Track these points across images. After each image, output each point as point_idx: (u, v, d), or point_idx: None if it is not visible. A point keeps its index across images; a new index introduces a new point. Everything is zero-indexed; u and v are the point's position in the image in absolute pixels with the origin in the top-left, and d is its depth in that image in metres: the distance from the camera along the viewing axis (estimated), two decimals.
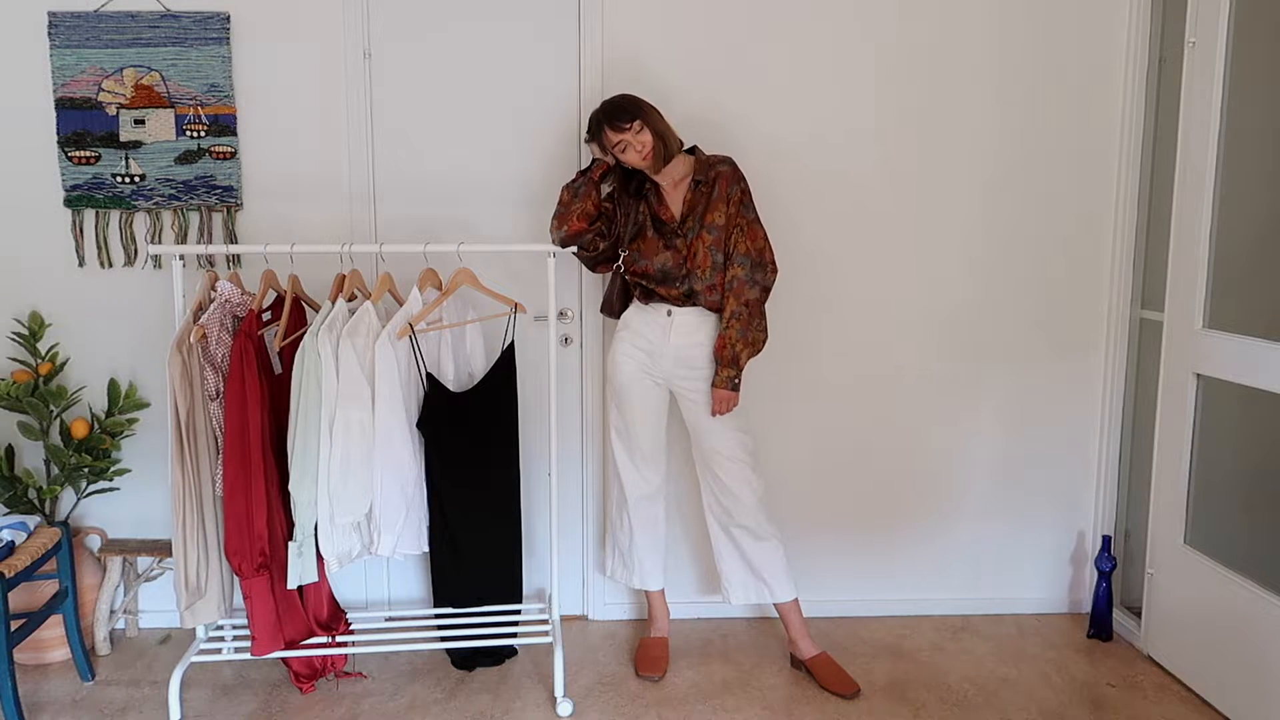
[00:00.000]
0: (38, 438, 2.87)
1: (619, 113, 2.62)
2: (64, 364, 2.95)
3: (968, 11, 2.96)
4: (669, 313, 2.72)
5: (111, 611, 2.96)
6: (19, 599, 2.71)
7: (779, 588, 2.81)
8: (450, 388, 2.70)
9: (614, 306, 2.84)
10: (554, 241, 2.71)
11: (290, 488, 2.50)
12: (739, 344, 2.65)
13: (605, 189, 2.80)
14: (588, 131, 2.70)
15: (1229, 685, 2.58)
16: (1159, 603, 2.87)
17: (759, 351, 2.71)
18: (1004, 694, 2.71)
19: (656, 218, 2.72)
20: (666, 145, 2.64)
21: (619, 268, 2.78)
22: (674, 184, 2.73)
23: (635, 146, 2.61)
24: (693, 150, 2.76)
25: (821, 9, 2.95)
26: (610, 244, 2.78)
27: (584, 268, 2.95)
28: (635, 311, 2.79)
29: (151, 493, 3.02)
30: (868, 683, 2.76)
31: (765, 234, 2.71)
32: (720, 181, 2.68)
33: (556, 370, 2.74)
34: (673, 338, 2.72)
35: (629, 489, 2.86)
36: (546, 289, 2.70)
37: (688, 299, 2.69)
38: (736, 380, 2.66)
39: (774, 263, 2.71)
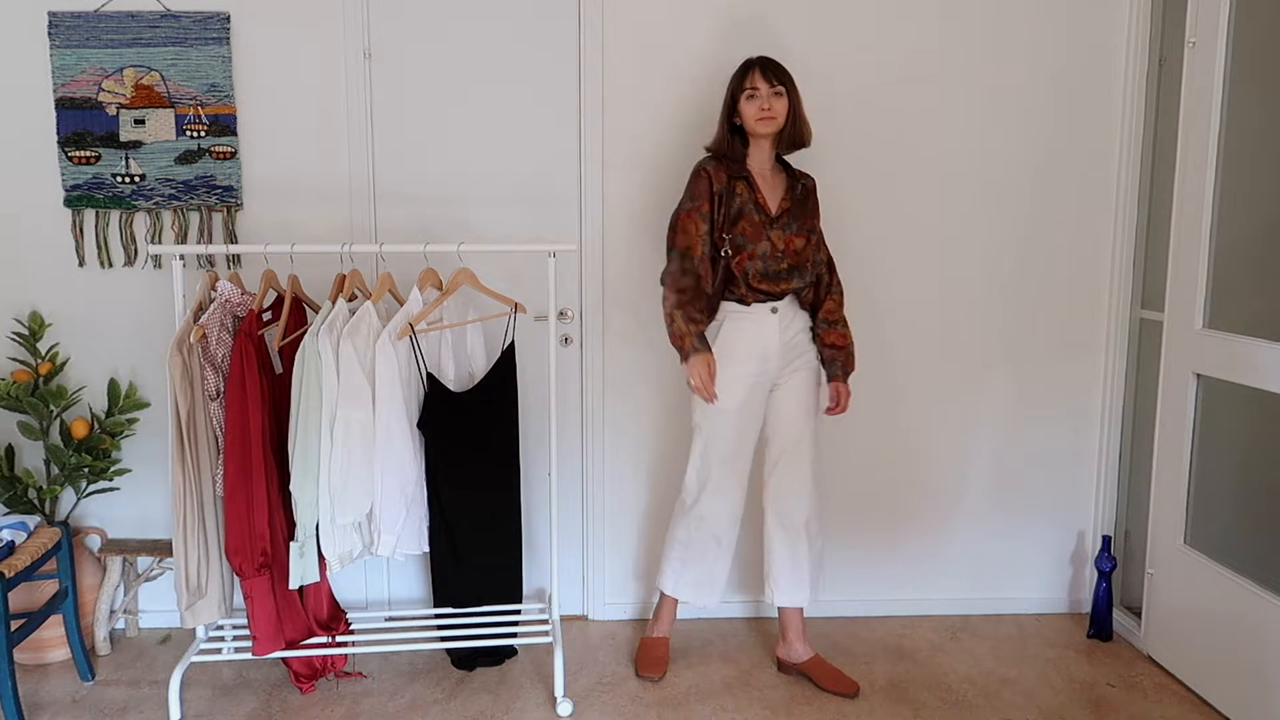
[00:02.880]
0: (38, 438, 2.87)
1: (774, 67, 2.64)
2: (64, 364, 2.95)
3: (967, 12, 2.97)
4: (774, 310, 2.69)
5: (111, 611, 2.96)
6: (19, 599, 2.71)
7: (812, 591, 2.81)
8: (451, 388, 2.70)
9: (713, 302, 2.70)
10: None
11: (291, 488, 2.50)
12: (852, 343, 2.78)
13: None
14: (735, 79, 2.66)
15: (1229, 685, 2.58)
16: (1159, 603, 2.87)
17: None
18: (1004, 694, 2.72)
19: (756, 203, 2.67)
20: (796, 126, 2.67)
21: (726, 254, 2.66)
22: (765, 176, 2.71)
23: (764, 104, 2.60)
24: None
25: (819, 12, 2.95)
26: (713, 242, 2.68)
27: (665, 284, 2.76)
28: (736, 322, 2.69)
29: (151, 493, 3.02)
30: (868, 683, 2.76)
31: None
32: (812, 193, 2.77)
33: (556, 370, 2.74)
34: (781, 334, 2.70)
35: (732, 512, 2.76)
36: (546, 289, 2.70)
37: (786, 293, 2.69)
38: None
39: None
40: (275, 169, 2.94)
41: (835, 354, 2.74)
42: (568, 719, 2.59)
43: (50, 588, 2.75)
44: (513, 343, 2.73)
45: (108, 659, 2.92)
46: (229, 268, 2.92)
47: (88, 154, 2.88)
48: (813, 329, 2.78)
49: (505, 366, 2.72)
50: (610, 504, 3.13)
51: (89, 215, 2.93)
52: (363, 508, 2.54)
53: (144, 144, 2.89)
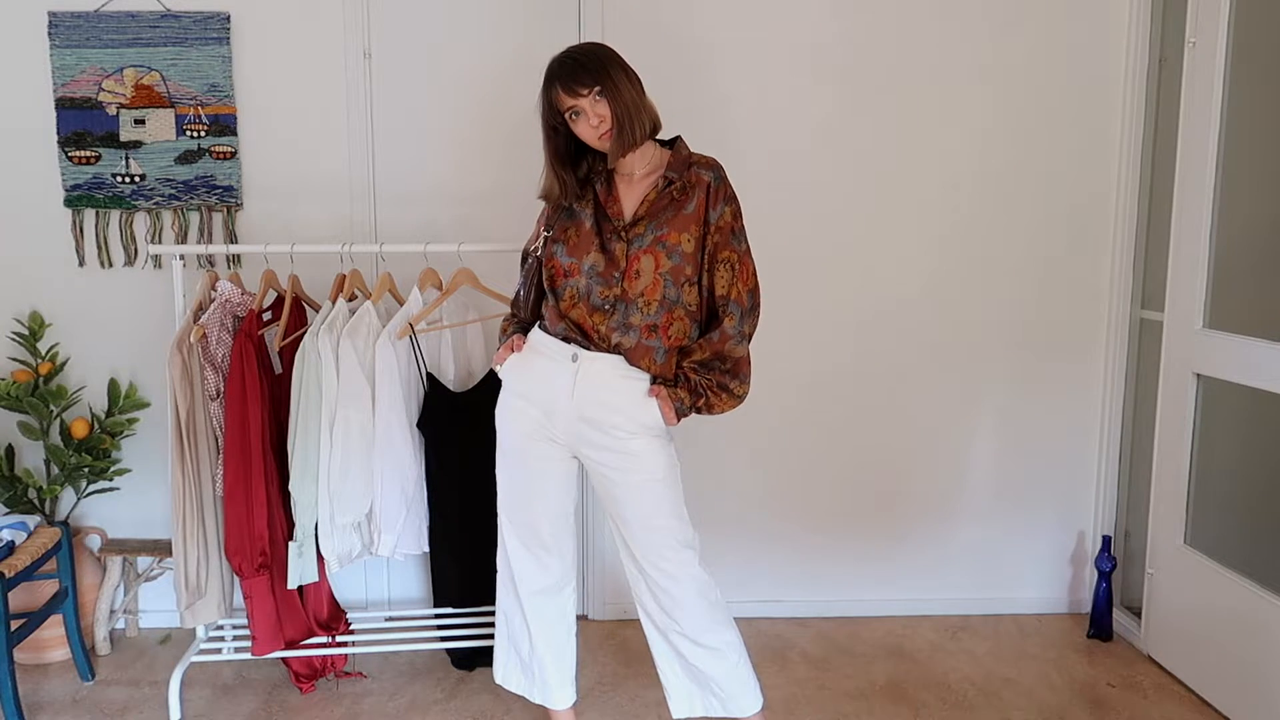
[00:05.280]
0: (38, 438, 2.87)
1: (577, 72, 2.01)
2: (64, 364, 2.95)
3: (967, 11, 2.96)
4: (574, 357, 2.10)
5: (111, 611, 2.96)
6: (19, 599, 2.71)
7: (734, 701, 2.22)
8: (450, 387, 2.70)
9: (527, 306, 2.24)
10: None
11: (290, 488, 2.50)
12: (711, 382, 2.10)
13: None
14: (544, 107, 2.08)
15: (1229, 685, 2.58)
16: (1159, 603, 2.87)
17: (730, 408, 2.14)
18: (1004, 694, 2.71)
19: (600, 207, 2.12)
20: (630, 127, 2.02)
21: (535, 249, 2.19)
22: (634, 177, 2.14)
23: (591, 119, 2.02)
24: (672, 142, 2.18)
25: (823, 5, 2.95)
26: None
27: None
28: (533, 349, 2.18)
29: (151, 493, 3.02)
30: (868, 682, 2.76)
31: (755, 267, 2.15)
32: (699, 192, 2.09)
33: None
34: (577, 392, 2.10)
35: (523, 581, 2.27)
36: None
37: (607, 340, 2.08)
38: (686, 406, 2.10)
39: (760, 303, 2.18)
40: (275, 169, 2.94)
41: (672, 377, 2.13)
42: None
43: (50, 588, 2.75)
44: None
45: (108, 659, 2.92)
46: (229, 268, 2.92)
47: (88, 154, 2.88)
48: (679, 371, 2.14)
49: None
50: None
51: (89, 215, 2.93)
52: (362, 508, 2.54)
53: (144, 144, 2.89)
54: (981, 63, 2.99)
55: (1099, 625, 3.04)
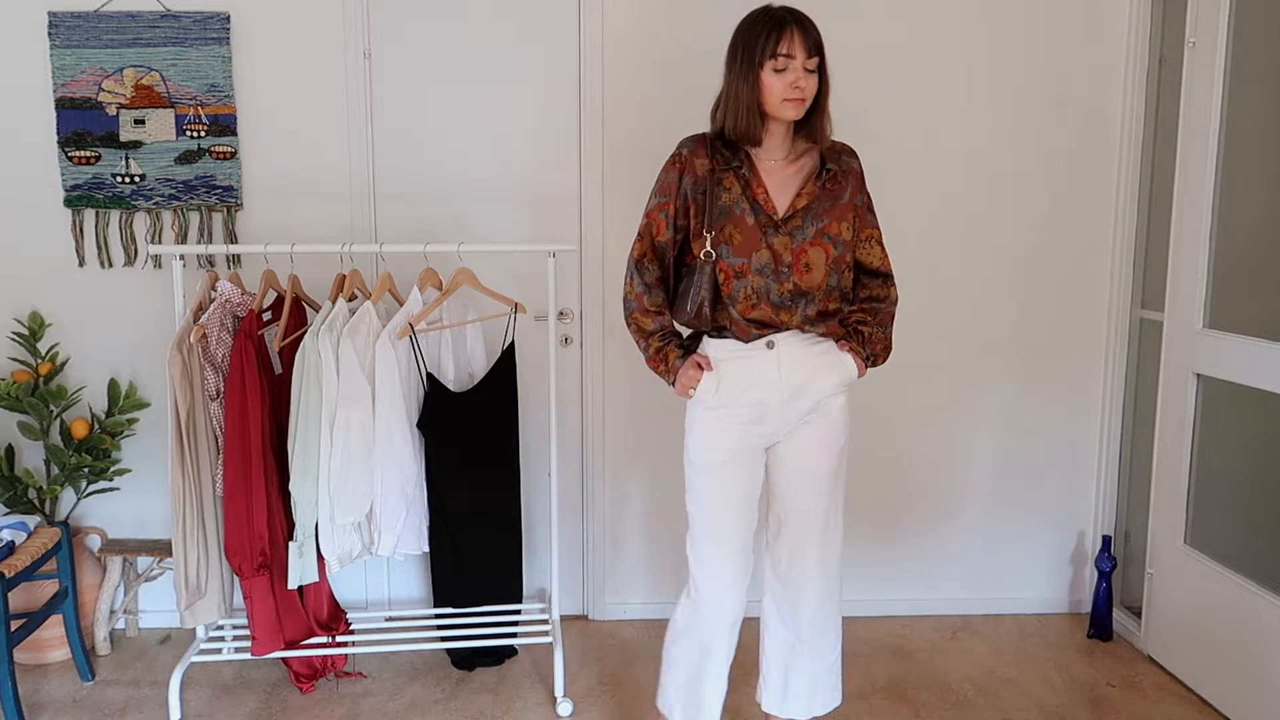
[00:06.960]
0: (38, 438, 2.87)
1: (813, 34, 2.00)
2: (64, 364, 2.95)
3: (967, 11, 2.97)
4: (769, 344, 2.11)
5: (111, 611, 2.96)
6: (19, 599, 2.71)
7: (818, 699, 2.32)
8: (450, 388, 2.70)
9: (706, 315, 2.08)
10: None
11: (291, 488, 2.50)
12: (878, 333, 2.20)
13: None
14: (749, 33, 2.01)
15: (1229, 685, 2.58)
16: (1159, 603, 2.87)
17: (886, 357, 2.25)
18: (1004, 694, 2.72)
19: (754, 200, 2.07)
20: (821, 112, 2.06)
21: (710, 254, 2.05)
22: (777, 164, 2.10)
23: (800, 79, 1.98)
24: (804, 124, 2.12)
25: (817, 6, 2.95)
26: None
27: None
28: (719, 361, 2.12)
29: (151, 493, 3.02)
30: (868, 683, 2.76)
31: None
32: (852, 180, 2.14)
33: (556, 370, 2.74)
34: (784, 372, 2.11)
35: (725, 613, 2.19)
36: (546, 289, 2.70)
37: (799, 330, 2.11)
38: (865, 356, 2.19)
39: None
40: (275, 169, 2.94)
41: (848, 337, 2.20)
42: (568, 719, 2.59)
43: (50, 588, 2.75)
44: (513, 343, 2.73)
45: (108, 659, 2.92)
46: (229, 268, 2.92)
47: (88, 154, 2.88)
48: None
49: (505, 366, 2.72)
50: (610, 504, 3.13)
51: (89, 215, 2.93)
52: (362, 507, 2.54)
53: (144, 144, 2.89)
54: (982, 63, 2.99)
55: (1099, 625, 3.04)
